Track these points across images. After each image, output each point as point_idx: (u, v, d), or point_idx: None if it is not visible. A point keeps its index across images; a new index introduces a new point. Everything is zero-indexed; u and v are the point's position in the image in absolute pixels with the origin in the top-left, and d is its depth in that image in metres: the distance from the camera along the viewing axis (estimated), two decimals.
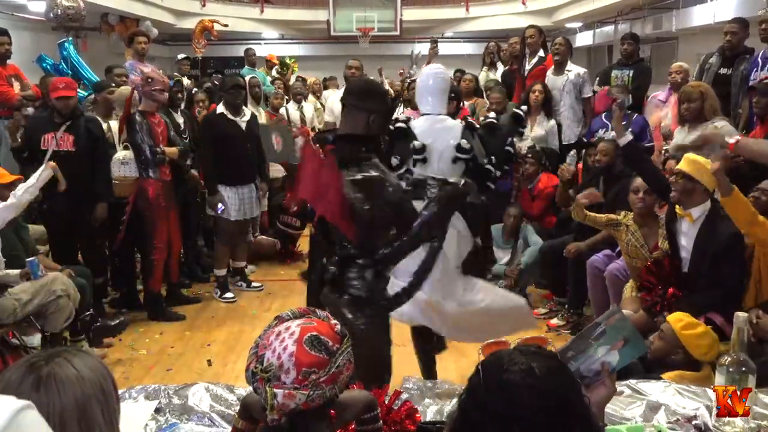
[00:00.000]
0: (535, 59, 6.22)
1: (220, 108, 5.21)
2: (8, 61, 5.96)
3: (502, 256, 5.16)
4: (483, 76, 7.38)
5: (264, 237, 6.64)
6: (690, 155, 3.33)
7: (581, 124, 5.82)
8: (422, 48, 12.19)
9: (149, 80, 4.68)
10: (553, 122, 5.61)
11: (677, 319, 2.87)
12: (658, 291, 3.33)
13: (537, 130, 5.59)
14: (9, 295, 3.57)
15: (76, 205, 4.53)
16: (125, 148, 4.75)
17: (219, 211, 5.14)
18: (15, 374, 1.29)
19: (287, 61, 9.56)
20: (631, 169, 3.99)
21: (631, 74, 5.87)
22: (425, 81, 3.22)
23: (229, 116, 5.15)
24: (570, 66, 5.90)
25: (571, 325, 4.51)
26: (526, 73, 6.23)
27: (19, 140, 4.78)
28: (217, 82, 6.99)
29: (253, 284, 5.59)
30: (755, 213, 3.06)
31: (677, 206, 3.37)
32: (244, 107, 5.42)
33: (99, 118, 4.91)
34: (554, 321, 4.67)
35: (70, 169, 4.35)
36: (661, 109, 5.43)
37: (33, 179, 3.85)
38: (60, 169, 4.20)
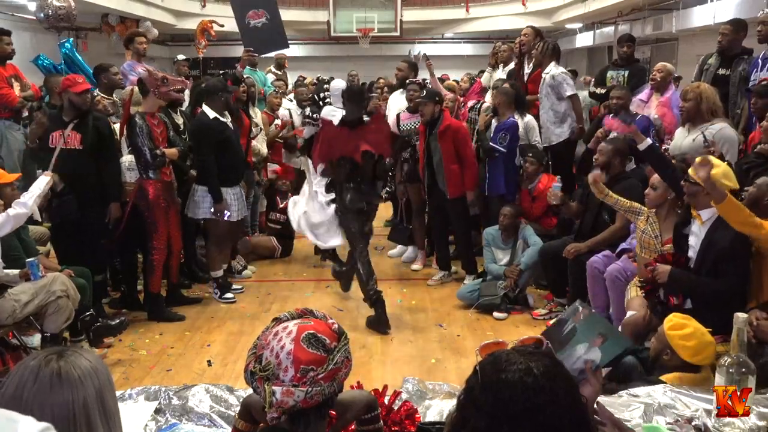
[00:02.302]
0: (534, 62, 6.22)
1: (211, 112, 5.03)
2: (7, 62, 5.97)
3: (502, 257, 5.16)
4: (486, 77, 7.40)
5: (263, 237, 6.65)
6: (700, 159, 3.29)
7: (567, 125, 5.79)
8: (421, 48, 12.21)
9: (165, 80, 4.67)
10: (528, 118, 5.61)
11: (668, 319, 2.86)
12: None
13: None
14: (9, 296, 3.57)
15: (84, 202, 4.53)
16: (131, 152, 4.76)
17: (227, 216, 5.09)
18: (28, 371, 1.29)
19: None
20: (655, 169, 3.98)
21: (626, 75, 5.88)
22: (333, 91, 4.72)
23: (221, 118, 5.12)
24: (548, 69, 5.89)
25: None
26: (526, 77, 6.23)
27: (37, 141, 4.71)
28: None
29: (233, 287, 5.42)
30: (751, 215, 2.96)
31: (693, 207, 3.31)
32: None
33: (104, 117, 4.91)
34: (554, 322, 4.65)
35: (77, 167, 4.33)
36: (643, 109, 5.41)
37: (36, 188, 3.81)
38: (67, 166, 4.18)
